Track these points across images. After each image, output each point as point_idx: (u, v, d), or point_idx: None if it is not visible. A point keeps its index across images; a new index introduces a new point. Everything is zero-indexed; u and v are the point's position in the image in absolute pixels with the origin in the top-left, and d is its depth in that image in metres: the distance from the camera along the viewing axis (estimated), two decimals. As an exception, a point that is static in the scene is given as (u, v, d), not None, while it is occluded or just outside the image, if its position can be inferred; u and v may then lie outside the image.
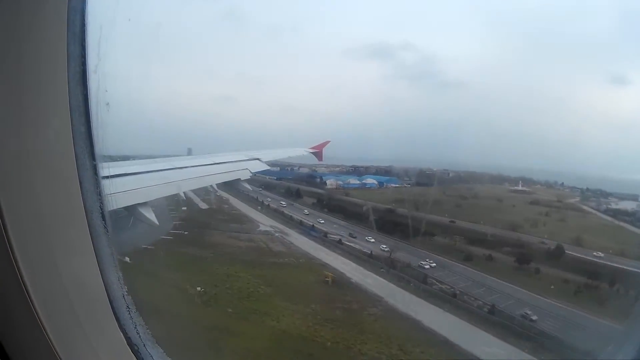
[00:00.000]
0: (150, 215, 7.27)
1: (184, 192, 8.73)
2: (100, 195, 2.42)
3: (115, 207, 6.14)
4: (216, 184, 9.68)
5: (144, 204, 7.26)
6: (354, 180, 54.23)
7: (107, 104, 2.54)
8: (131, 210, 7.04)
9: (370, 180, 54.91)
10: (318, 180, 54.30)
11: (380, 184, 54.66)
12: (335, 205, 45.83)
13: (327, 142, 16.38)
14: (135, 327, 2.60)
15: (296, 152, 15.86)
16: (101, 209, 2.42)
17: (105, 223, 2.43)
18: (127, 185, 7.10)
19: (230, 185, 10.21)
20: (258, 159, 11.69)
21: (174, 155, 10.28)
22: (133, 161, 8.49)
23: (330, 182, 53.28)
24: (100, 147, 2.42)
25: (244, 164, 10.90)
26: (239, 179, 10.18)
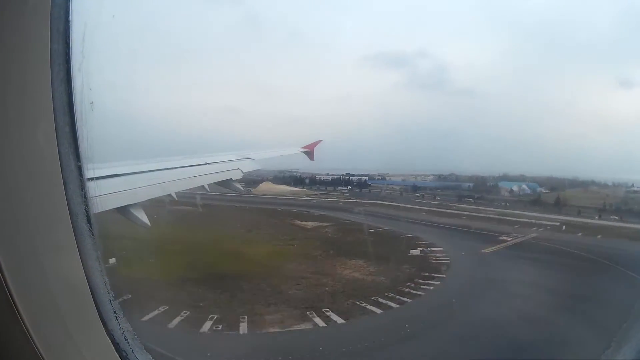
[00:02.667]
0: (141, 216, 7.22)
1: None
2: (85, 197, 2.35)
3: (106, 209, 6.11)
4: (207, 184, 9.62)
5: (135, 205, 7.19)
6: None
7: (92, 102, 2.48)
8: (122, 212, 6.98)
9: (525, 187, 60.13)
10: (490, 187, 56.98)
11: (533, 189, 59.61)
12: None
13: (319, 141, 16.32)
14: (123, 333, 2.55)
15: (288, 152, 15.79)
16: (86, 211, 2.35)
17: (90, 226, 2.37)
18: (117, 186, 7.03)
19: (222, 185, 10.13)
20: (250, 158, 11.67)
21: (166, 156, 10.17)
22: (123, 162, 8.40)
23: (521, 189, 57.88)
24: (85, 147, 2.35)
25: (235, 163, 10.85)
26: (231, 179, 10.13)
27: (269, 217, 41.88)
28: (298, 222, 40.81)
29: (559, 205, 51.10)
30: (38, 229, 2.11)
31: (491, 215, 47.57)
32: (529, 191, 58.82)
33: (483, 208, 52.33)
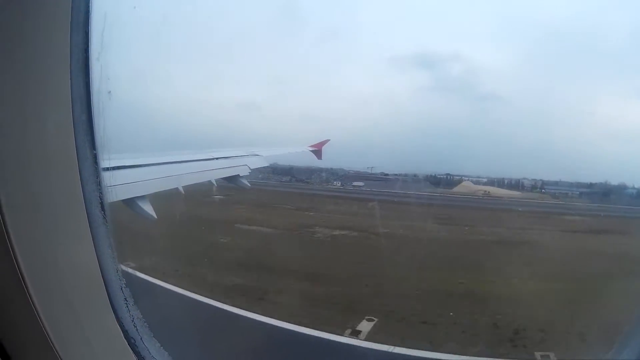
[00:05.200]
0: (148, 208, 7.26)
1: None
2: (100, 185, 2.39)
3: (112, 200, 6.19)
4: (215, 179, 9.66)
5: (142, 197, 7.24)
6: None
7: (109, 92, 2.52)
8: (129, 203, 7.04)
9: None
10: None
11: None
12: None
13: (327, 140, 16.32)
14: (132, 321, 2.59)
15: (296, 149, 15.83)
16: (101, 199, 2.40)
17: (104, 214, 2.41)
18: (124, 178, 7.09)
19: (229, 181, 10.20)
20: (258, 154, 11.72)
21: (177, 149, 10.23)
22: (133, 153, 8.46)
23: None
24: (100, 136, 2.40)
25: (243, 159, 10.90)
26: (238, 175, 10.18)
27: None
28: None
29: None
30: (53, 215, 2.16)
31: None
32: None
33: None
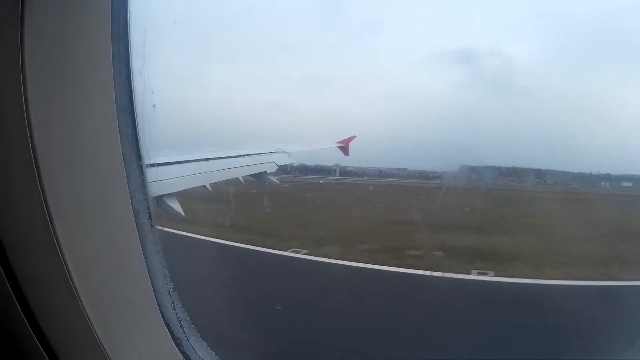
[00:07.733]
0: (176, 206, 7.35)
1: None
2: (146, 195, 2.47)
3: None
4: (242, 177, 9.75)
5: (170, 194, 7.33)
6: None
7: (154, 105, 2.58)
8: (157, 201, 7.14)
9: None
10: None
11: None
12: None
13: (354, 137, 16.14)
14: (179, 322, 2.67)
15: (322, 146, 15.71)
16: (148, 208, 2.47)
17: (152, 222, 2.48)
18: (152, 176, 7.19)
19: (256, 178, 10.29)
20: (284, 152, 11.76)
21: (201, 148, 10.36)
22: (158, 151, 8.58)
23: None
24: (146, 148, 2.46)
25: (270, 156, 10.95)
26: (265, 171, 10.26)
27: None
28: None
29: None
30: (102, 224, 2.23)
31: None
32: None
33: None
